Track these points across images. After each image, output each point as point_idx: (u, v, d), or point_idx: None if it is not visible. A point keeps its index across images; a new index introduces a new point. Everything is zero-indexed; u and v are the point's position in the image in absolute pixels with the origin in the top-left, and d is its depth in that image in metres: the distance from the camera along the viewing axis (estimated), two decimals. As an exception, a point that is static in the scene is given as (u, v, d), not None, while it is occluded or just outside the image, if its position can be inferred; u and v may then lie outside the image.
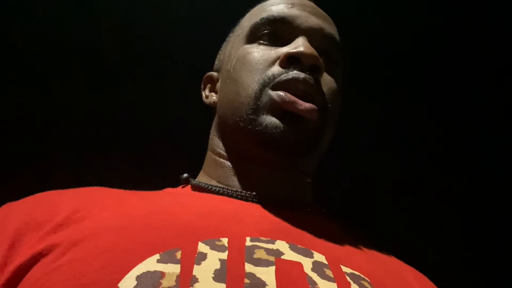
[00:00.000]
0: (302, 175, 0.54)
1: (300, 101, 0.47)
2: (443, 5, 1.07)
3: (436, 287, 0.50)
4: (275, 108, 0.47)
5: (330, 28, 0.56)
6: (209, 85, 0.62)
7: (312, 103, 0.48)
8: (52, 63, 1.00)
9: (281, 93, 0.47)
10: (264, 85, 0.49)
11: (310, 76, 0.48)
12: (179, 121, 1.00)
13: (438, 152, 1.08)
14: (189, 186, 0.55)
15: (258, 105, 0.48)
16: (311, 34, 0.52)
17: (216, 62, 0.63)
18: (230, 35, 0.62)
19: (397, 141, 1.06)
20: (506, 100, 1.08)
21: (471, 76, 1.09)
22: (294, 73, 0.48)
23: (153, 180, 0.58)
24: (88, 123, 0.99)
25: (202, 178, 0.56)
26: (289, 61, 0.49)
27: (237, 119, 0.50)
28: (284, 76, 0.48)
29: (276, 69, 0.50)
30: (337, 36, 0.57)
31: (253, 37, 0.54)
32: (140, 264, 0.33)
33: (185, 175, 0.55)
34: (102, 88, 1.01)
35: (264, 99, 0.48)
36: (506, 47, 1.08)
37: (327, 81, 0.52)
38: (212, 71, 0.64)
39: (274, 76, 0.49)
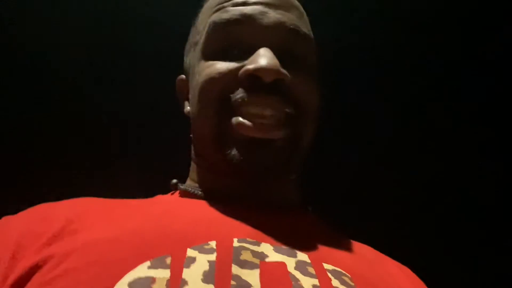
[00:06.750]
0: (285, 176, 0.54)
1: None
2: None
3: (420, 280, 0.52)
4: (237, 138, 0.47)
5: (293, 19, 0.51)
6: (182, 92, 0.61)
7: (277, 121, 0.47)
8: (48, 60, 1.00)
9: (240, 119, 0.47)
10: (224, 114, 0.48)
11: (270, 95, 0.47)
12: (174, 124, 1.00)
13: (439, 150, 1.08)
14: (178, 192, 0.56)
15: (221, 139, 0.48)
16: (271, 32, 0.49)
17: (185, 62, 0.60)
18: (192, 29, 0.59)
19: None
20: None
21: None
22: (253, 98, 0.47)
23: (150, 184, 0.59)
24: (87, 124, 0.99)
25: (189, 182, 0.57)
26: (249, 79, 0.47)
27: (205, 151, 0.52)
28: (242, 102, 0.47)
29: (235, 92, 0.48)
30: (302, 27, 0.52)
31: (209, 51, 0.51)
32: (132, 271, 0.35)
33: (174, 180, 0.57)
34: (99, 88, 1.01)
35: (226, 130, 0.48)
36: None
37: (297, 83, 0.49)
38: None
39: (232, 102, 0.48)
